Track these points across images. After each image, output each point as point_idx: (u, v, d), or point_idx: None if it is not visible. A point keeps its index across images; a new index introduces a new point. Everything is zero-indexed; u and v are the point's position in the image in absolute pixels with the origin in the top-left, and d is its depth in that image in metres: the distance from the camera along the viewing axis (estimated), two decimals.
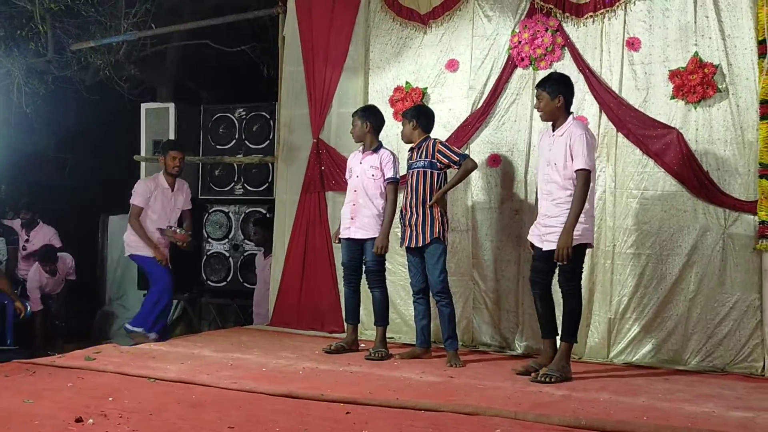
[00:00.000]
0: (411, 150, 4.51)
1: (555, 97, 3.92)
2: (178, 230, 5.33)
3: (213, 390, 3.43)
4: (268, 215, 6.39)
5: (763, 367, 4.23)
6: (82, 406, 3.07)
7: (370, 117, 4.64)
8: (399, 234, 4.58)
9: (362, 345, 4.72)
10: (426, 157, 4.39)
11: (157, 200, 5.30)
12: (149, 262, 5.24)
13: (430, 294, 4.43)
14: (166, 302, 5.27)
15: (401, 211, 4.47)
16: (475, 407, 3.17)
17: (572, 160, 3.83)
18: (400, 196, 4.59)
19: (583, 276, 4.48)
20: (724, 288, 4.34)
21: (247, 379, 3.62)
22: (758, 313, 4.26)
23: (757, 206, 4.25)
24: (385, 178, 4.55)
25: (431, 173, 4.38)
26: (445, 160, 4.37)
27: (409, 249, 4.44)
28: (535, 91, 4.02)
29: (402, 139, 4.62)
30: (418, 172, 4.40)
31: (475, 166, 4.43)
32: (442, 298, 4.32)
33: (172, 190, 5.36)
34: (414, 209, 4.38)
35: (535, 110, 4.15)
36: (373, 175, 4.56)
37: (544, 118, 4.04)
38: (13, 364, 4.08)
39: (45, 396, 3.23)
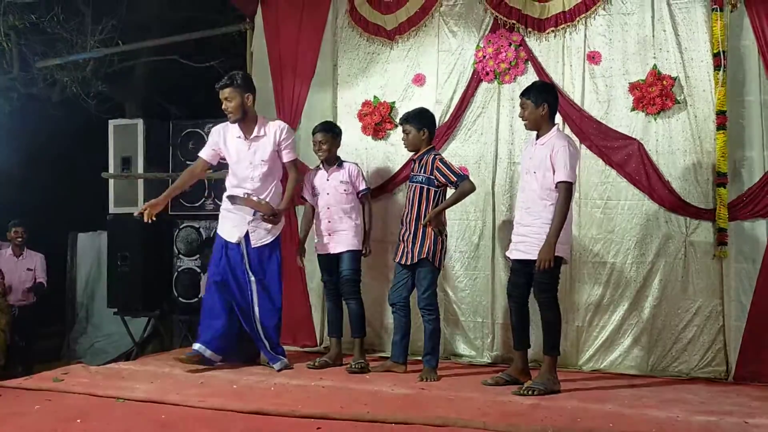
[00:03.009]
0: (413, 161, 4.44)
1: (539, 105, 3.91)
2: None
3: (182, 409, 3.41)
4: None
5: (726, 371, 4.33)
6: (50, 430, 3.03)
7: (339, 134, 4.75)
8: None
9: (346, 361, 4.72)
10: (425, 172, 4.31)
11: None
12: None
13: (410, 309, 4.42)
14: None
15: (399, 224, 4.48)
16: (444, 419, 3.20)
17: (553, 171, 3.81)
18: (393, 208, 4.77)
19: None
20: (687, 294, 4.45)
21: (217, 397, 3.60)
22: (720, 319, 4.38)
23: (715, 214, 4.37)
24: (360, 191, 4.64)
25: (428, 190, 4.29)
26: (443, 179, 4.26)
27: (398, 263, 4.41)
28: (519, 99, 4.02)
29: (407, 146, 4.46)
30: (416, 187, 4.34)
31: (473, 188, 4.29)
32: (427, 313, 4.30)
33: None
34: (408, 225, 4.34)
35: (519, 119, 4.14)
36: (345, 190, 4.61)
37: (528, 127, 4.04)
38: None
39: (10, 421, 3.17)
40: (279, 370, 4.38)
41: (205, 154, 4.61)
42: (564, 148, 3.81)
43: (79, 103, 7.33)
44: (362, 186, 4.70)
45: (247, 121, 4.46)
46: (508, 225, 4.60)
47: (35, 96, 7.34)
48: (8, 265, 6.69)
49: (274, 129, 4.47)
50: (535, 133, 4.02)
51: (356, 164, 4.78)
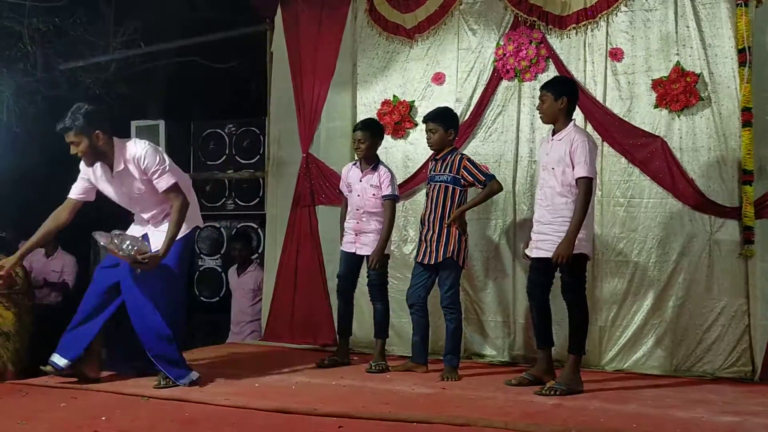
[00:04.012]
0: (434, 160, 4.40)
1: (559, 99, 3.87)
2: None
3: (206, 407, 3.43)
4: (249, 228, 6.42)
5: (752, 371, 4.27)
6: (76, 427, 3.07)
7: (380, 135, 4.63)
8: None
9: (354, 358, 4.74)
10: (450, 171, 4.28)
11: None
12: None
13: (428, 309, 4.40)
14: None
15: (420, 224, 4.45)
16: (466, 418, 3.19)
17: (572, 167, 3.77)
18: (412, 208, 4.63)
19: None
20: (712, 294, 4.39)
21: (239, 395, 3.62)
22: (746, 318, 4.32)
23: (741, 212, 4.31)
24: (383, 194, 4.51)
25: (453, 189, 4.26)
26: (470, 178, 4.24)
27: (420, 263, 4.37)
28: (540, 92, 4.00)
29: (431, 146, 4.38)
30: (439, 186, 4.29)
31: (500, 188, 4.27)
32: (449, 312, 4.28)
33: None
34: (431, 224, 4.29)
35: (536, 112, 4.14)
36: (374, 194, 4.52)
37: (544, 120, 4.01)
38: (6, 385, 4.08)
39: (38, 417, 3.22)
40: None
41: (75, 192, 3.92)
42: (583, 143, 3.77)
43: (101, 105, 7.40)
44: (387, 191, 4.49)
45: (107, 158, 3.79)
46: (528, 224, 4.54)
47: (59, 98, 7.41)
48: (38, 264, 6.78)
49: (131, 161, 3.77)
50: (551, 129, 3.99)
51: (389, 169, 4.58)
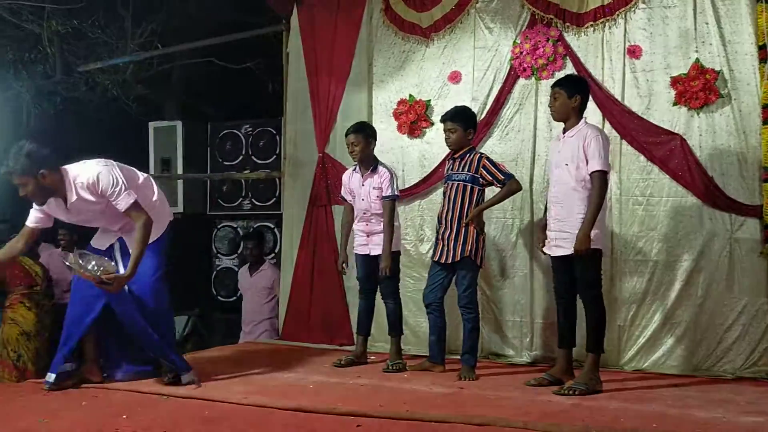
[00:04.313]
0: (452, 159, 4.39)
1: (572, 97, 3.88)
2: None
3: (225, 406, 3.45)
4: (264, 228, 6.44)
5: None
6: (97, 425, 3.11)
7: (373, 136, 4.61)
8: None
9: (372, 357, 4.75)
10: (469, 170, 4.27)
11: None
12: None
13: (444, 308, 4.39)
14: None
15: (437, 224, 4.44)
16: (484, 418, 3.18)
17: (586, 161, 3.78)
18: (429, 207, 4.62)
19: None
20: (732, 293, 4.34)
21: (257, 394, 3.64)
22: (767, 317, 4.26)
23: (762, 210, 4.27)
24: (383, 195, 4.48)
25: (471, 188, 4.25)
26: (489, 177, 4.23)
27: (437, 262, 4.37)
28: (552, 89, 3.99)
29: (450, 145, 4.37)
30: (457, 185, 4.28)
31: (519, 188, 4.29)
32: (467, 311, 4.27)
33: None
34: (449, 224, 4.28)
35: (549, 109, 4.11)
36: (378, 196, 4.52)
37: (555, 117, 4.01)
38: (29, 384, 4.13)
39: (60, 415, 3.26)
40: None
41: (31, 221, 3.79)
42: (596, 138, 3.79)
43: (119, 106, 7.47)
44: (387, 192, 4.47)
45: (58, 192, 3.67)
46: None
47: (77, 99, 7.50)
48: (57, 264, 6.82)
49: (84, 188, 3.65)
50: (561, 127, 3.99)
51: (389, 170, 4.57)
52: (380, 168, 4.57)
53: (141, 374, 3.97)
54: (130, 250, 3.76)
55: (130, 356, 4.00)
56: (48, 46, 6.84)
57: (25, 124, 7.09)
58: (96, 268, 3.57)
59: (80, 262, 3.57)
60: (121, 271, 3.76)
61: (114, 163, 3.81)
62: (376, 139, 4.65)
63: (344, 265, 4.75)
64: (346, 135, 4.65)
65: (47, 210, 3.76)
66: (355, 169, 4.67)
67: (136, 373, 3.98)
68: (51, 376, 3.78)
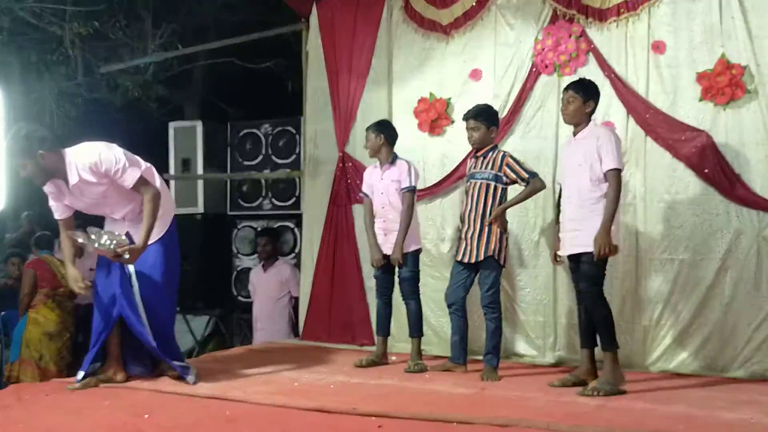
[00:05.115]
0: (475, 158, 4.36)
1: (587, 101, 3.89)
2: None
3: (246, 405, 3.45)
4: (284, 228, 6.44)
5: None
6: (120, 424, 3.12)
7: (384, 130, 4.61)
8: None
9: (393, 357, 4.72)
10: (492, 168, 4.24)
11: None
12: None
13: (466, 308, 4.35)
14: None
15: (459, 222, 4.41)
16: (507, 419, 3.14)
17: (600, 161, 3.78)
18: (450, 206, 4.59)
19: (616, 283, 4.45)
20: (761, 292, 4.25)
21: (278, 394, 3.63)
22: None
23: None
24: (402, 186, 4.48)
25: (495, 187, 4.21)
26: (513, 176, 4.19)
27: (460, 261, 4.33)
28: (565, 93, 3.96)
29: (473, 143, 4.32)
30: (480, 183, 4.24)
31: (543, 186, 4.24)
32: (490, 311, 4.23)
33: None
34: (472, 223, 4.24)
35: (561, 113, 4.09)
36: (397, 189, 4.51)
37: (567, 121, 3.99)
38: (53, 383, 4.17)
39: (84, 414, 3.28)
40: None
41: (58, 214, 3.82)
42: (608, 137, 3.81)
43: (140, 106, 7.54)
44: (405, 183, 4.46)
45: (58, 173, 3.65)
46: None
47: (99, 100, 7.58)
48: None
49: (85, 169, 3.61)
50: (572, 130, 3.98)
51: (408, 161, 4.59)
52: (398, 161, 4.58)
53: (141, 374, 4.00)
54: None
55: (131, 355, 4.01)
56: (70, 47, 6.91)
57: (48, 125, 7.17)
58: (109, 242, 3.59)
59: (92, 237, 3.57)
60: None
61: (115, 145, 3.78)
62: (391, 134, 4.63)
63: (380, 260, 4.61)
64: (367, 130, 4.69)
65: (57, 194, 3.75)
66: (375, 165, 4.68)
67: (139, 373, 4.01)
68: (80, 374, 3.82)
